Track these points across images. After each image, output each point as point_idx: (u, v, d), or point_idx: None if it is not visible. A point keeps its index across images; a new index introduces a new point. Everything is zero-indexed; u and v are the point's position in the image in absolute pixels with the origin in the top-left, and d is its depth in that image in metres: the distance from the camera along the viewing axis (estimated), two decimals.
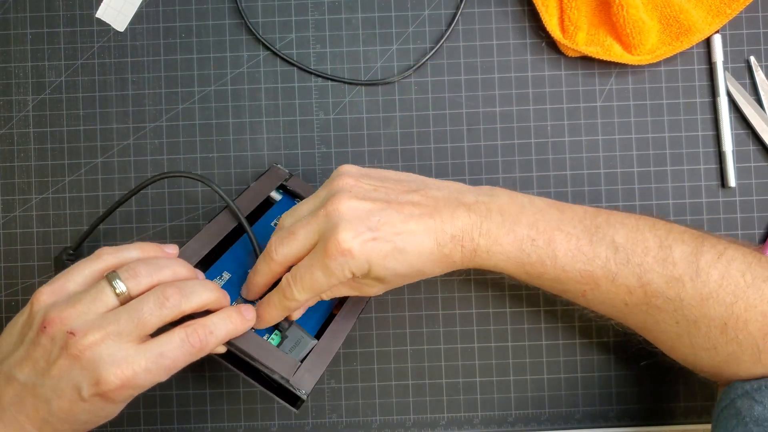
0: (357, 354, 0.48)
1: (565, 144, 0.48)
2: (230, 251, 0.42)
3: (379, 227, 0.34)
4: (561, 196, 0.48)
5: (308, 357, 0.38)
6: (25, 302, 0.48)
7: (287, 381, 0.37)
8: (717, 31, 0.47)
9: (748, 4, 0.46)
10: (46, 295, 0.35)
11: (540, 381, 0.48)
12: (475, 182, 0.48)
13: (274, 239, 0.36)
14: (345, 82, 0.49)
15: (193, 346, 0.34)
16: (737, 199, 0.48)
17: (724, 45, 0.48)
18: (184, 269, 0.37)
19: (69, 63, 0.49)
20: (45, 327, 0.33)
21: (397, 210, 0.35)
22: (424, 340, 0.48)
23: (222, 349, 0.37)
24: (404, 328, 0.48)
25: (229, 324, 0.36)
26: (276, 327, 0.39)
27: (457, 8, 0.48)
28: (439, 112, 0.48)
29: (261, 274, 0.37)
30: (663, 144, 0.48)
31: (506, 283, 0.48)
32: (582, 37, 0.47)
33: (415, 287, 0.48)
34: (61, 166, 0.49)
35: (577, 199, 0.48)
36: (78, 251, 0.46)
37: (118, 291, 0.34)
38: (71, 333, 0.32)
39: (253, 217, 0.44)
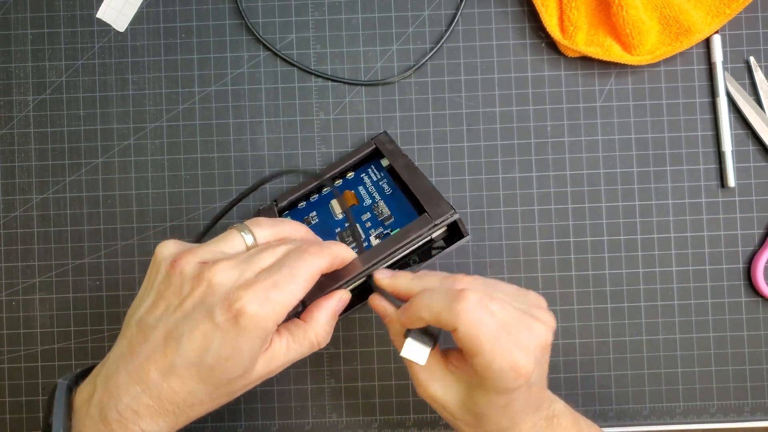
0: (357, 353, 0.48)
1: (565, 144, 0.48)
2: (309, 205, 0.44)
3: (533, 384, 0.34)
4: (561, 196, 0.48)
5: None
6: (25, 302, 0.48)
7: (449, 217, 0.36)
8: (716, 32, 0.48)
9: (747, 4, 0.46)
10: (171, 243, 0.34)
11: None
12: (475, 182, 0.48)
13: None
14: (345, 83, 0.49)
15: (319, 255, 0.33)
16: (737, 199, 0.48)
17: (724, 45, 0.48)
18: (303, 230, 0.36)
19: (69, 63, 0.49)
20: (174, 263, 0.32)
21: (538, 392, 0.35)
22: None
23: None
24: None
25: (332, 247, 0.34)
26: None
27: (457, 9, 0.49)
28: (439, 112, 0.49)
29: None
30: (662, 144, 0.48)
31: (505, 282, 0.48)
32: (581, 37, 0.47)
33: None
34: (62, 166, 0.49)
35: (577, 199, 0.48)
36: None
37: (246, 240, 0.34)
38: (203, 262, 0.32)
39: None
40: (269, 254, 0.33)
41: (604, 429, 0.48)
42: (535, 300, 0.36)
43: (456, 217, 0.37)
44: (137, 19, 0.49)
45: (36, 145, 0.49)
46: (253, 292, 0.30)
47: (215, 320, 0.30)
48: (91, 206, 0.49)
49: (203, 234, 0.47)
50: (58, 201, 0.49)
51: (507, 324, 0.32)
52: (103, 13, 0.49)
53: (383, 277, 0.36)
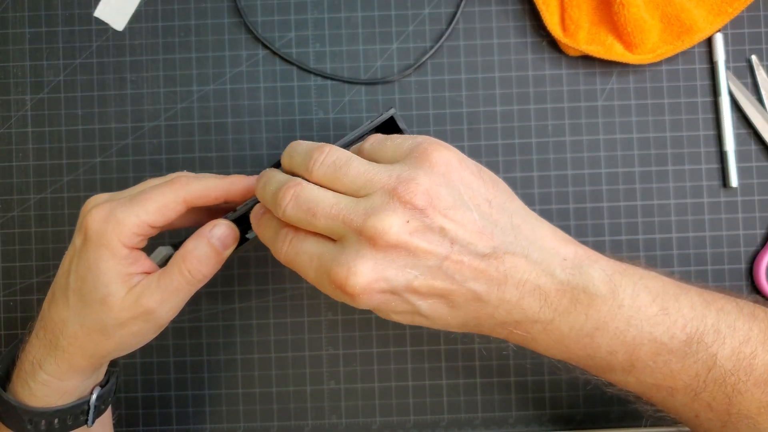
0: (357, 355, 0.48)
1: (566, 143, 0.48)
2: None
3: (405, 289, 0.29)
4: (562, 196, 0.48)
5: None
6: (23, 302, 0.48)
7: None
8: (718, 30, 0.47)
9: (749, 3, 0.46)
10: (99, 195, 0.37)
11: (541, 382, 0.47)
12: None
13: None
14: (345, 82, 0.48)
15: (180, 184, 0.34)
16: (739, 199, 0.48)
17: (726, 44, 0.48)
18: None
19: (67, 62, 0.49)
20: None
21: (437, 273, 0.29)
22: (424, 341, 0.48)
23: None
24: (404, 328, 0.48)
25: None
26: None
27: (458, 7, 0.48)
28: (439, 111, 0.48)
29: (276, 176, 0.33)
30: (664, 144, 0.48)
31: None
32: (583, 36, 0.47)
33: None
34: (59, 165, 0.48)
35: (579, 199, 0.48)
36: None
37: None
38: None
39: None
40: (142, 185, 0.35)
41: (606, 431, 0.47)
42: (404, 167, 0.30)
43: (392, 112, 0.35)
44: (135, 17, 0.49)
45: (33, 144, 0.48)
46: (99, 209, 0.32)
47: (74, 243, 0.33)
48: None
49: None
50: (56, 201, 0.48)
51: (329, 229, 0.29)
52: (101, 12, 0.49)
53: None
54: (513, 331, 0.30)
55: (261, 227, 0.33)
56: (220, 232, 0.34)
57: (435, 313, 0.29)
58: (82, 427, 0.36)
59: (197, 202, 0.34)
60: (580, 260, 0.30)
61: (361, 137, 0.36)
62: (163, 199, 0.33)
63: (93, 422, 0.36)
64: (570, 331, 0.29)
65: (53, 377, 0.33)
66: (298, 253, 0.30)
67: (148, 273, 0.33)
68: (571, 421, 0.47)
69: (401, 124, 0.36)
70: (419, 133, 0.48)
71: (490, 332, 0.31)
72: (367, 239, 0.28)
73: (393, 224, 0.27)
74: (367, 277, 0.28)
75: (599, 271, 0.30)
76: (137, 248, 0.33)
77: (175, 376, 0.48)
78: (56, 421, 0.34)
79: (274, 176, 0.32)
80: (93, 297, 0.32)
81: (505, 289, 0.29)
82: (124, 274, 0.32)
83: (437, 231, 0.28)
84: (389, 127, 0.36)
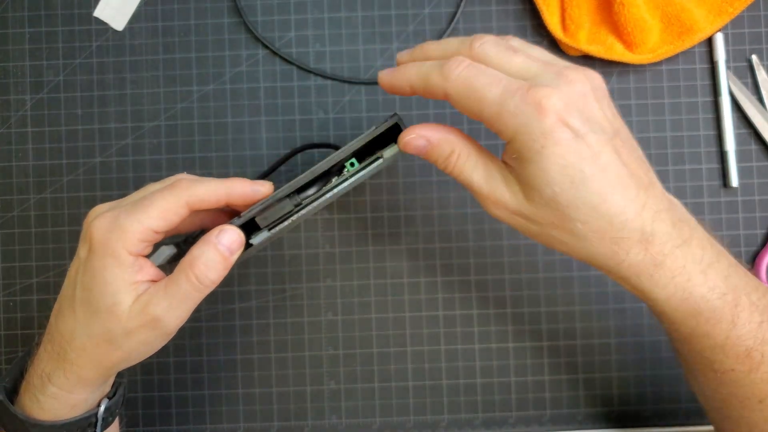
0: (357, 355, 0.48)
1: None
2: None
3: (588, 135, 0.29)
4: None
5: None
6: (23, 303, 0.48)
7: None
8: (719, 30, 0.47)
9: (750, 3, 0.46)
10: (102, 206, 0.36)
11: (541, 382, 0.47)
12: None
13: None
14: (344, 81, 0.48)
15: (181, 188, 0.34)
16: (739, 199, 0.47)
17: (726, 44, 0.48)
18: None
19: (67, 62, 0.49)
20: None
21: (616, 147, 0.30)
22: (424, 341, 0.48)
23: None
24: (404, 329, 0.48)
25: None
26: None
27: (458, 7, 0.48)
28: (439, 111, 0.48)
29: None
30: (665, 143, 0.48)
31: (507, 285, 0.48)
32: (583, 35, 0.47)
33: (415, 287, 0.48)
34: (59, 165, 0.48)
35: None
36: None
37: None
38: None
39: None
40: (142, 191, 0.35)
41: (606, 430, 0.47)
42: (576, 66, 0.31)
43: (396, 119, 0.35)
44: (135, 17, 0.49)
45: (33, 144, 0.48)
46: (102, 219, 0.32)
47: (79, 254, 0.33)
48: (89, 206, 0.48)
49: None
50: (55, 201, 0.48)
51: (523, 70, 0.30)
52: (100, 12, 0.49)
53: (384, 73, 0.34)
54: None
55: (404, 69, 0.32)
56: (227, 238, 0.33)
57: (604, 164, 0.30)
58: None
59: (200, 206, 0.34)
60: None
61: (366, 145, 0.36)
62: (166, 203, 0.32)
63: None
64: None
65: (62, 390, 0.33)
66: (480, 74, 0.30)
67: (155, 281, 0.33)
68: (572, 421, 0.47)
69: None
70: None
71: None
72: (566, 81, 0.29)
73: (584, 80, 0.30)
74: (564, 101, 0.29)
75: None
76: (142, 255, 0.33)
77: (175, 377, 0.48)
78: None
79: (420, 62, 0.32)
80: (100, 307, 0.32)
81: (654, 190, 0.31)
82: (130, 283, 0.32)
83: (608, 122, 0.30)
84: (393, 133, 0.36)
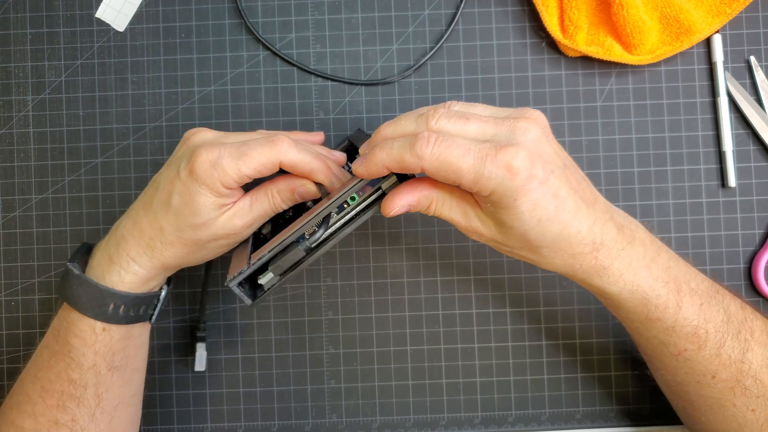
0: (357, 354, 0.48)
1: (566, 144, 0.48)
2: None
3: (549, 178, 0.33)
4: None
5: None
6: (24, 302, 0.48)
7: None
8: (717, 31, 0.47)
9: (748, 4, 0.46)
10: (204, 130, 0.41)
11: (540, 381, 0.48)
12: None
13: (436, 112, 0.35)
14: (345, 82, 0.49)
15: (278, 149, 0.37)
16: (737, 199, 0.48)
17: (724, 45, 0.48)
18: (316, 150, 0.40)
19: (69, 63, 0.49)
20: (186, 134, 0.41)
21: (568, 179, 0.34)
22: (424, 340, 0.48)
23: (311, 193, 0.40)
24: (404, 328, 0.48)
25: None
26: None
27: (457, 8, 0.48)
28: None
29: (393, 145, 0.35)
30: (663, 144, 0.48)
31: (506, 284, 0.48)
32: (582, 36, 0.47)
33: (415, 286, 0.48)
34: (61, 166, 0.49)
35: None
36: None
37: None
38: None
39: None
40: (249, 134, 0.40)
41: (604, 429, 0.48)
42: (518, 110, 0.36)
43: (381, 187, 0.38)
44: (136, 18, 0.49)
45: (35, 145, 0.49)
46: (207, 154, 0.37)
47: (179, 172, 0.37)
48: (91, 206, 0.48)
49: None
50: (57, 201, 0.48)
51: (480, 134, 0.34)
52: (102, 13, 0.49)
53: (358, 164, 0.37)
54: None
55: (378, 151, 0.35)
56: (304, 190, 0.39)
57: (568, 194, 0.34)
58: (141, 324, 0.42)
59: (289, 170, 0.38)
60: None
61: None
62: (264, 159, 0.37)
63: (155, 318, 0.42)
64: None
65: (144, 270, 0.39)
66: (450, 147, 0.33)
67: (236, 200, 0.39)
68: (570, 419, 0.48)
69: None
70: None
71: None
72: (521, 132, 0.33)
73: (534, 125, 0.34)
74: (528, 155, 0.32)
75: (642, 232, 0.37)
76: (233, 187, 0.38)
77: (176, 376, 0.48)
78: (131, 308, 0.40)
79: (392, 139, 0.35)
80: (193, 222, 0.38)
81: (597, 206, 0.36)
82: (221, 205, 0.38)
83: (558, 157, 0.35)
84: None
